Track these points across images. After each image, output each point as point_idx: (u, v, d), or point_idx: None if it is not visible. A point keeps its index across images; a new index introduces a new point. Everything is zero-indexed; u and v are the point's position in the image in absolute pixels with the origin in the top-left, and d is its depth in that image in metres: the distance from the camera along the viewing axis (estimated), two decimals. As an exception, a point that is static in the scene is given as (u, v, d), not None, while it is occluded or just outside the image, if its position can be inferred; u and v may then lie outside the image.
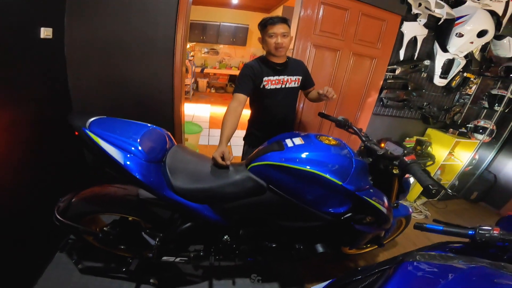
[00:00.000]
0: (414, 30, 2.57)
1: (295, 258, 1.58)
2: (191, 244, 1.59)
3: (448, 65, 2.75)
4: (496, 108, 3.03)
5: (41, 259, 1.68)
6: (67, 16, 1.75)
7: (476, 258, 0.76)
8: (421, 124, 3.29)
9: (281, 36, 1.59)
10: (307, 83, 1.93)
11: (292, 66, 1.81)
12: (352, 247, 1.96)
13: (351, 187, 1.24)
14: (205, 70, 7.60)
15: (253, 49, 7.60)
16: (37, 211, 1.59)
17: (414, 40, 2.65)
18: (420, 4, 2.43)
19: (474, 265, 0.70)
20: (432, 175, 1.25)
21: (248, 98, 1.76)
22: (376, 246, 1.91)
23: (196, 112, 5.90)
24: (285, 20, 1.60)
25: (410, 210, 1.94)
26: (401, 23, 2.53)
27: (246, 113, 1.83)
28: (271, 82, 1.74)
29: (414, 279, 0.69)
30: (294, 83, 1.83)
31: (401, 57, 2.70)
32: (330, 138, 1.40)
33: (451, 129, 3.18)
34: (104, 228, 1.48)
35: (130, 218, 1.49)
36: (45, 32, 1.57)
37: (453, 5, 2.53)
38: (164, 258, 1.51)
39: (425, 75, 2.90)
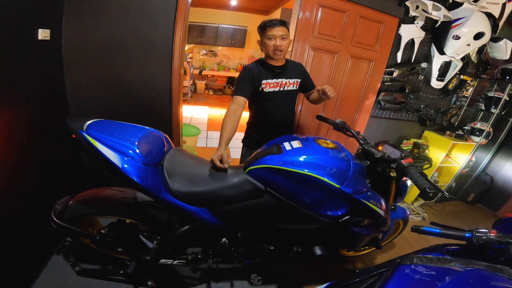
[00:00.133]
0: (412, 32, 2.58)
1: (293, 261, 1.57)
2: (189, 247, 1.59)
3: (445, 68, 2.77)
4: (492, 110, 3.05)
5: (37, 261, 1.67)
6: (65, 17, 1.75)
7: (473, 261, 0.76)
8: (418, 127, 3.31)
9: (280, 39, 1.59)
10: (306, 85, 1.93)
11: (291, 69, 1.81)
12: (350, 249, 1.97)
13: (349, 190, 1.24)
14: (204, 72, 7.60)
15: (252, 51, 7.61)
16: (33, 213, 1.58)
17: (411, 42, 2.67)
18: (417, 7, 2.45)
19: (471, 268, 0.70)
20: (429, 177, 1.26)
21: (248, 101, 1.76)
22: (374, 248, 1.91)
23: (194, 114, 5.89)
24: (284, 23, 1.60)
25: (408, 212, 1.94)
26: (399, 26, 2.55)
27: (245, 115, 1.83)
28: (269, 85, 1.74)
29: (412, 282, 0.69)
30: (293, 86, 1.83)
31: (399, 60, 2.72)
32: (328, 141, 1.40)
33: (448, 132, 3.20)
34: (101, 231, 1.47)
35: (127, 221, 1.49)
36: (43, 34, 1.57)
37: (450, 8, 2.55)
38: (162, 260, 1.50)
39: (422, 77, 2.92)
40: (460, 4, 2.53)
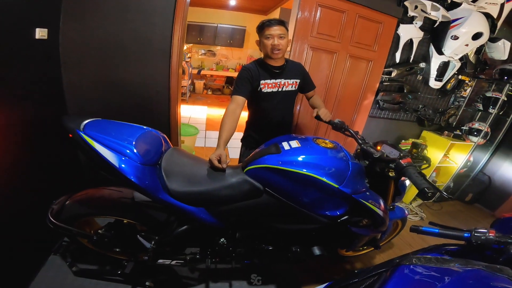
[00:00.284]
0: (410, 32, 2.59)
1: (291, 261, 1.57)
2: (187, 247, 1.58)
3: (443, 68, 2.77)
4: (490, 110, 3.06)
5: (34, 261, 1.66)
6: (63, 16, 1.74)
7: (472, 261, 0.76)
8: (417, 127, 3.32)
9: (278, 38, 1.58)
10: (306, 86, 1.93)
11: (290, 69, 1.80)
12: (348, 250, 1.97)
13: (348, 190, 1.24)
14: (202, 72, 7.59)
15: (250, 51, 7.60)
16: (30, 213, 1.57)
17: (410, 42, 2.67)
18: (416, 7, 2.46)
19: (470, 268, 0.70)
20: (427, 177, 1.26)
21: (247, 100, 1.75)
22: (373, 248, 1.92)
23: (193, 114, 5.88)
24: (282, 23, 1.59)
25: (406, 212, 1.95)
26: (397, 26, 2.55)
27: (245, 115, 1.83)
28: (267, 86, 1.73)
29: (411, 283, 0.69)
30: (292, 87, 1.82)
31: (397, 60, 2.72)
32: (327, 141, 1.40)
33: (446, 132, 3.20)
34: (99, 231, 1.46)
35: (125, 221, 1.48)
36: (40, 33, 1.56)
37: (448, 8, 2.55)
38: (160, 261, 1.50)
39: (421, 77, 2.93)
40: (459, 4, 2.53)
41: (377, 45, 2.57)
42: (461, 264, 0.73)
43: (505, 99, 3.01)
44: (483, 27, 2.50)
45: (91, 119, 1.24)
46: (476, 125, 3.11)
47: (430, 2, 2.35)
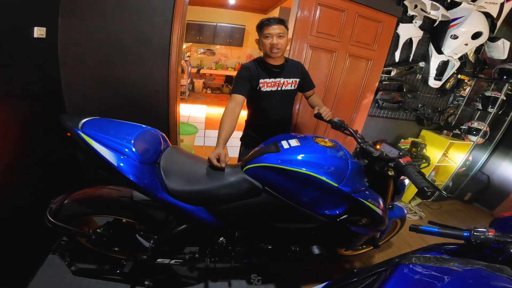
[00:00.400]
0: (410, 32, 2.58)
1: (291, 260, 1.57)
2: (186, 246, 1.58)
3: (442, 67, 2.77)
4: (489, 110, 3.06)
5: (33, 260, 1.65)
6: (61, 15, 1.73)
7: (472, 260, 0.76)
8: (416, 126, 3.32)
9: (277, 37, 1.57)
10: (306, 85, 1.92)
11: (289, 68, 1.79)
12: (347, 249, 1.97)
13: (347, 189, 1.24)
14: (201, 71, 7.57)
15: (250, 50, 7.59)
16: (29, 212, 1.56)
17: (409, 41, 2.67)
18: (416, 6, 2.45)
19: (470, 268, 0.70)
20: (426, 176, 1.26)
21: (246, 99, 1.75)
22: (372, 247, 1.91)
23: (192, 113, 5.87)
24: (282, 21, 1.58)
25: (405, 211, 1.95)
26: (397, 25, 2.54)
27: (244, 113, 1.82)
28: (266, 85, 1.73)
29: (411, 282, 0.69)
30: (291, 86, 1.82)
31: (397, 59, 2.72)
32: (326, 140, 1.39)
33: (445, 131, 3.20)
34: (98, 230, 1.46)
35: (124, 220, 1.48)
36: (39, 32, 1.55)
37: (448, 7, 2.55)
38: (159, 260, 1.49)
39: (420, 76, 2.93)
40: (458, 4, 2.53)
41: (376, 44, 2.57)
42: (461, 264, 0.73)
43: (504, 98, 3.01)
44: (483, 26, 2.50)
45: (90, 118, 1.24)
46: (475, 124, 3.11)
47: (429, 1, 2.34)
